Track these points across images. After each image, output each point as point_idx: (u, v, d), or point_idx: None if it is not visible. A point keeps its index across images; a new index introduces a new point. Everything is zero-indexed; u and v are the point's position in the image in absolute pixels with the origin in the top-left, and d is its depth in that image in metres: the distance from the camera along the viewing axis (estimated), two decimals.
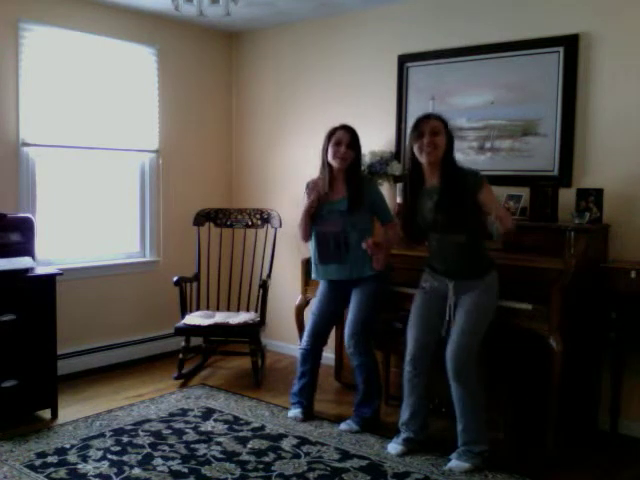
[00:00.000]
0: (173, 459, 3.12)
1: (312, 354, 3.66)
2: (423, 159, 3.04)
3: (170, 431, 3.46)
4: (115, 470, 2.99)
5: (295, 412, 3.67)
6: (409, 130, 3.17)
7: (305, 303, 4.11)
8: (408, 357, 3.19)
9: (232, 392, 4.12)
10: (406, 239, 3.30)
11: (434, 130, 3.02)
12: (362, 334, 3.47)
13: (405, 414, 3.24)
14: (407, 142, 3.16)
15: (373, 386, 3.53)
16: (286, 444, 3.32)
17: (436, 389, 3.44)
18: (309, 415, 3.69)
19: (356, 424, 3.50)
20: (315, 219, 3.53)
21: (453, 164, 3.10)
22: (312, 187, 3.52)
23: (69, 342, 4.27)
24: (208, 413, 3.74)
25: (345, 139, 3.44)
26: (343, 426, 3.52)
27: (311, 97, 4.86)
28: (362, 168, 4.11)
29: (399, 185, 4.17)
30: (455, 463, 3.04)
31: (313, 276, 3.66)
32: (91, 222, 4.55)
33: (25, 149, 4.10)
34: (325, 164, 3.50)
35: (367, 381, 3.51)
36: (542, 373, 3.21)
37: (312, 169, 3.68)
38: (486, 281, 3.06)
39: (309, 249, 3.68)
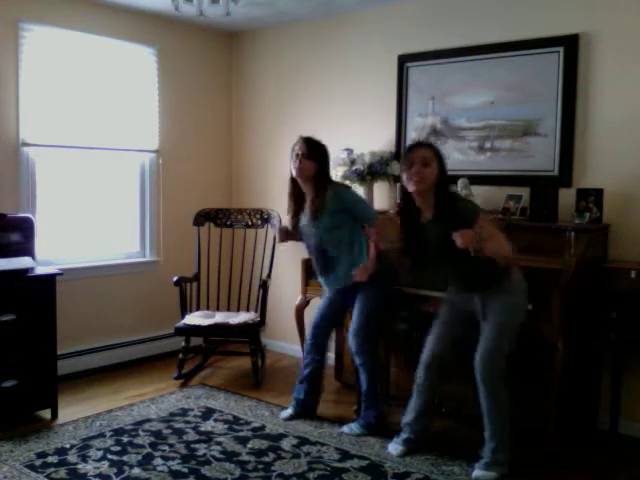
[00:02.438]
0: (173, 459, 3.12)
1: (315, 349, 3.67)
2: (410, 188, 2.97)
3: (170, 431, 3.46)
4: (115, 470, 2.99)
5: (285, 411, 3.71)
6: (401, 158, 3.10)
7: (305, 303, 4.12)
8: (423, 364, 3.17)
9: (232, 392, 4.12)
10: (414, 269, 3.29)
11: (424, 161, 2.93)
12: (363, 333, 3.46)
13: (410, 415, 3.23)
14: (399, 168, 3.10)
15: (375, 387, 3.52)
16: (286, 444, 3.32)
17: (436, 389, 3.44)
18: (307, 411, 3.68)
19: (358, 428, 3.48)
20: (301, 232, 3.61)
21: (447, 195, 2.99)
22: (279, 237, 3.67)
23: (69, 342, 4.27)
24: (208, 413, 3.74)
25: (301, 150, 3.44)
26: (345, 429, 3.51)
27: (311, 97, 4.86)
28: (360, 168, 4.12)
29: (399, 185, 4.16)
30: (481, 473, 2.98)
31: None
32: (91, 222, 4.55)
33: (25, 149, 4.10)
34: (291, 178, 3.55)
35: (369, 381, 3.50)
36: (542, 373, 3.21)
37: None
38: (508, 283, 2.97)
39: None
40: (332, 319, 3.70)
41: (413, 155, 2.97)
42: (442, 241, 2.92)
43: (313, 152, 3.45)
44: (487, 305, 3.01)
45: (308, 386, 3.69)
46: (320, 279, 3.64)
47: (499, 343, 2.96)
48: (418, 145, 3.06)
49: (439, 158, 2.99)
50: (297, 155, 3.45)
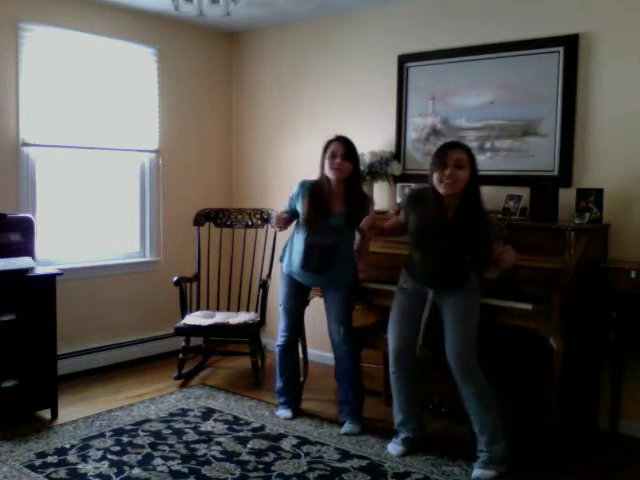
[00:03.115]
0: (173, 459, 3.12)
1: (291, 348, 3.71)
2: (440, 189, 2.94)
3: (170, 431, 3.46)
4: (115, 470, 2.99)
5: (285, 412, 3.70)
6: (433, 155, 3.04)
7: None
8: (391, 356, 3.18)
9: (232, 392, 4.12)
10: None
11: (458, 163, 2.90)
12: (348, 320, 3.53)
13: (399, 416, 3.24)
14: (430, 164, 3.03)
15: (360, 372, 3.57)
16: (286, 444, 3.32)
17: (436, 389, 3.44)
18: (298, 411, 3.73)
19: (355, 421, 3.49)
20: (308, 228, 3.51)
21: (475, 200, 2.99)
22: (276, 222, 3.65)
23: (69, 342, 4.27)
24: (208, 413, 3.74)
25: (340, 150, 3.42)
26: (344, 430, 3.50)
27: (311, 97, 4.86)
28: (362, 172, 4.12)
29: (399, 185, 4.17)
30: (480, 472, 2.97)
31: (283, 263, 3.66)
32: (91, 222, 4.55)
33: (25, 149, 4.10)
34: (323, 177, 3.50)
35: (356, 367, 3.55)
36: (542, 373, 3.21)
37: (312, 169, 3.67)
38: (467, 285, 3.03)
39: (288, 238, 3.71)
40: (298, 320, 3.73)
41: (448, 157, 2.92)
42: (454, 242, 2.95)
43: (350, 153, 3.44)
44: (443, 302, 3.05)
45: (296, 387, 3.77)
46: (306, 274, 3.52)
47: (467, 342, 2.99)
48: (453, 146, 3.00)
49: (472, 161, 2.97)
50: (334, 155, 3.41)
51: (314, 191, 3.51)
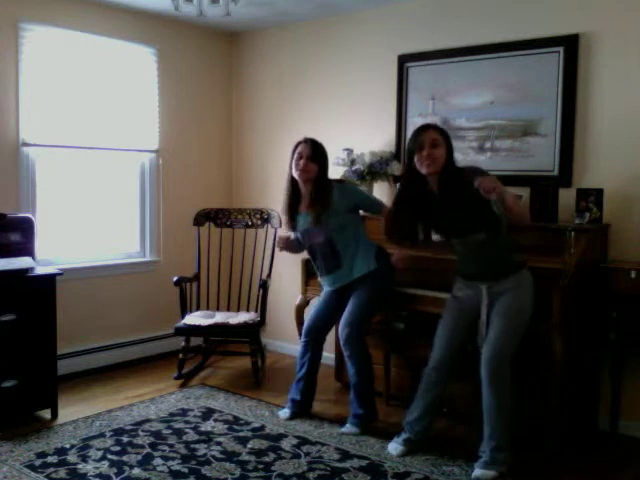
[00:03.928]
0: (173, 459, 3.12)
1: (305, 350, 3.69)
2: (423, 170, 3.01)
3: (170, 431, 3.46)
4: (115, 470, 2.99)
5: (284, 412, 3.70)
6: (408, 139, 3.12)
7: (305, 303, 4.12)
8: (432, 363, 3.16)
9: (232, 392, 4.12)
10: (392, 241, 3.26)
11: (434, 142, 2.99)
12: (356, 325, 3.48)
13: (413, 414, 3.22)
14: (406, 149, 3.12)
15: (364, 377, 3.51)
16: (286, 444, 3.32)
17: (442, 391, 3.42)
18: (303, 410, 3.70)
19: (355, 426, 3.48)
20: (300, 235, 3.59)
21: (453, 171, 3.04)
22: (279, 243, 3.65)
23: (69, 342, 4.27)
24: (208, 413, 3.74)
25: (306, 152, 3.47)
26: (344, 429, 3.50)
27: (311, 97, 4.86)
28: (360, 168, 4.14)
29: (399, 185, 4.17)
30: (481, 472, 2.97)
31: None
32: (91, 222, 4.55)
33: (25, 149, 4.10)
34: (290, 179, 3.57)
35: (358, 371, 3.50)
36: (542, 373, 3.21)
37: None
38: (518, 279, 3.00)
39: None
40: (328, 320, 3.71)
41: (423, 137, 3.01)
42: (447, 217, 2.98)
43: (317, 154, 3.49)
44: (496, 301, 3.01)
45: (304, 386, 3.71)
46: (324, 279, 3.64)
47: (508, 341, 2.96)
48: (426, 127, 3.08)
49: (446, 139, 3.05)
50: (301, 156, 3.47)
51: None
